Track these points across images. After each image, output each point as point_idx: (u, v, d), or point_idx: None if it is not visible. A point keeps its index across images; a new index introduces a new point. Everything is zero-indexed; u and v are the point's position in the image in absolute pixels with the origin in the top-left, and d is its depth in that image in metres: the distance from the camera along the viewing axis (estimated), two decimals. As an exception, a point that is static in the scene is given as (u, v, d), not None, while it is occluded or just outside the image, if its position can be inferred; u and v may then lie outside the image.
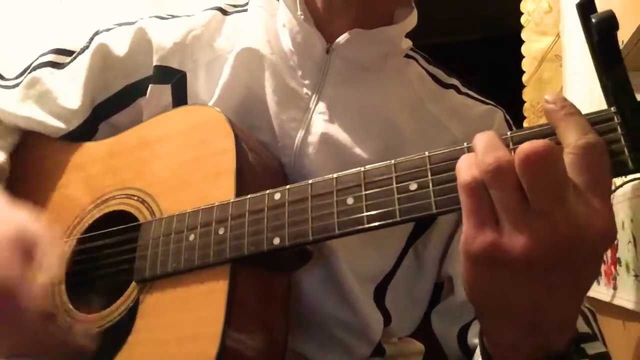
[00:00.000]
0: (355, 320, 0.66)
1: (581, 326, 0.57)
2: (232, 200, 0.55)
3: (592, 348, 0.54)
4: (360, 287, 0.66)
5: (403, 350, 0.75)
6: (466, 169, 0.39)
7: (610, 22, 0.36)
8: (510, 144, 0.41)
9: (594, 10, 0.37)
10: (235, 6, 0.76)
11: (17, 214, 0.57)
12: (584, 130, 0.38)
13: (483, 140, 0.39)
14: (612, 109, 0.39)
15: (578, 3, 0.37)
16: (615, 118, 0.39)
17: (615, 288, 0.87)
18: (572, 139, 0.38)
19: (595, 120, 0.39)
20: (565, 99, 0.39)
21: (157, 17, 0.76)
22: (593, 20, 0.37)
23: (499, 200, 0.38)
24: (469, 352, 0.66)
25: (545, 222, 0.36)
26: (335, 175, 0.50)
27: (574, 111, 0.39)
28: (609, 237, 0.37)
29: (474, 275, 0.40)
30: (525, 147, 0.36)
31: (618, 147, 0.38)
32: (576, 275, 0.38)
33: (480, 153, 0.39)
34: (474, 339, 0.65)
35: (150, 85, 0.71)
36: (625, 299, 0.84)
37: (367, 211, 0.47)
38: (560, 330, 0.42)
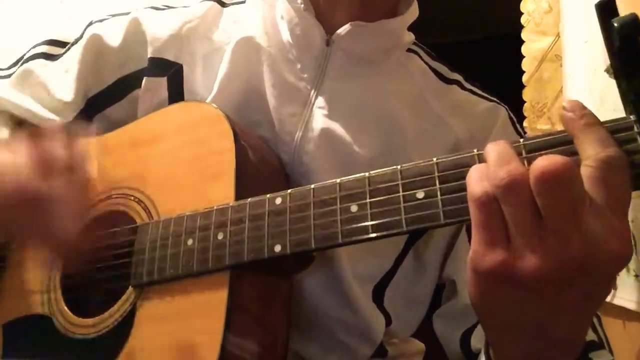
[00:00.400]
0: (356, 321, 0.65)
1: (588, 333, 0.56)
2: (231, 205, 0.54)
3: (599, 356, 0.54)
4: (360, 288, 0.65)
5: (404, 351, 0.74)
6: (477, 181, 0.38)
7: (634, 27, 0.34)
8: (523, 152, 0.39)
9: (615, 12, 0.35)
10: None
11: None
12: (605, 142, 0.36)
13: (495, 151, 0.38)
14: (632, 117, 0.37)
15: (597, 4, 0.35)
16: (635, 127, 0.37)
17: (615, 288, 0.87)
18: (591, 151, 0.36)
19: (613, 129, 0.37)
20: (584, 107, 0.38)
21: (152, 7, 0.74)
22: (615, 24, 0.35)
23: (511, 216, 0.36)
24: (471, 356, 0.65)
25: (560, 241, 0.35)
26: (338, 181, 0.49)
27: (593, 121, 0.37)
28: (625, 258, 0.36)
29: (482, 292, 0.39)
30: (543, 163, 0.35)
31: (638, 158, 0.37)
32: (588, 294, 0.37)
33: (492, 165, 0.37)
34: (477, 344, 0.64)
35: (145, 78, 0.70)
36: (625, 299, 0.84)
37: (371, 220, 0.46)
38: (569, 345, 0.41)
